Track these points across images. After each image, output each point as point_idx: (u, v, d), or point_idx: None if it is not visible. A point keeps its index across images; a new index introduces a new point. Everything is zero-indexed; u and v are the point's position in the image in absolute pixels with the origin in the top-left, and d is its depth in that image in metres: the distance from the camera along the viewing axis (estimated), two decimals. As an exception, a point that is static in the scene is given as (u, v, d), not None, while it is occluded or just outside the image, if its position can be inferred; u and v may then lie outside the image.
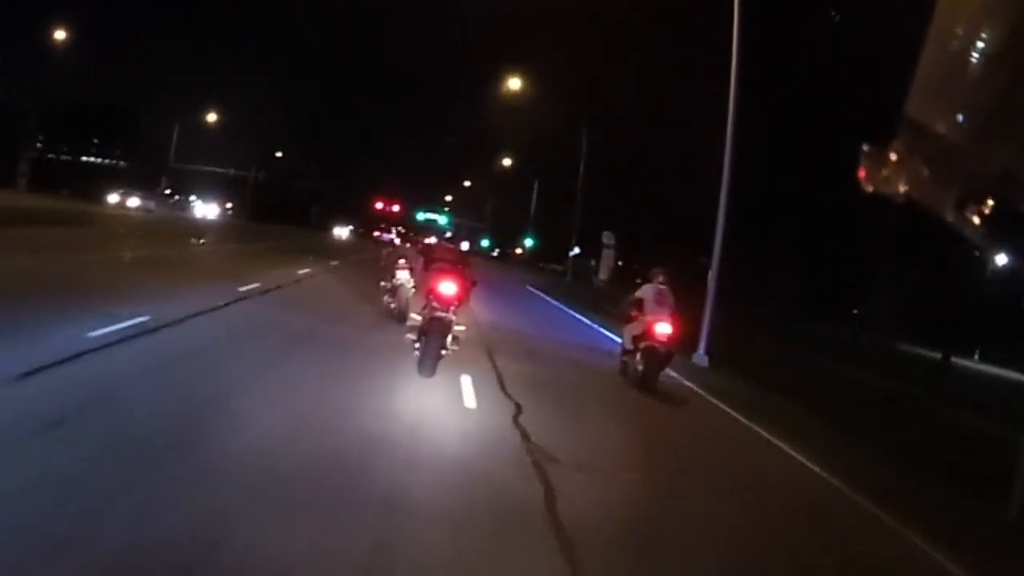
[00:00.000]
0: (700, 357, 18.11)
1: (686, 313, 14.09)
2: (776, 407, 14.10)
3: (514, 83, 42.77)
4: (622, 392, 12.41)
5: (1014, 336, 40.93)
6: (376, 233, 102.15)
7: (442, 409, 8.57)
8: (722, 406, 12.81)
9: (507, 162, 70.22)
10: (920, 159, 1.82)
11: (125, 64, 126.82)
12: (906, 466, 11.03)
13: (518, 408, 9.18)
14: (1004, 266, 32.17)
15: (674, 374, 14.54)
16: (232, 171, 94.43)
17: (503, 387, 10.39)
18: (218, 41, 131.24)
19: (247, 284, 15.94)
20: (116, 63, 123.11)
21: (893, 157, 1.86)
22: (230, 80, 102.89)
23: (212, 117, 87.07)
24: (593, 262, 53.81)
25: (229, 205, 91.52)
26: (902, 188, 1.87)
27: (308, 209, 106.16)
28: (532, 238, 70.43)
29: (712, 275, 19.06)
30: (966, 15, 1.73)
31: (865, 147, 1.90)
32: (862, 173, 1.92)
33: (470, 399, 9.25)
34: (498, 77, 45.52)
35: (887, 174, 1.87)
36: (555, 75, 50.70)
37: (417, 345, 10.01)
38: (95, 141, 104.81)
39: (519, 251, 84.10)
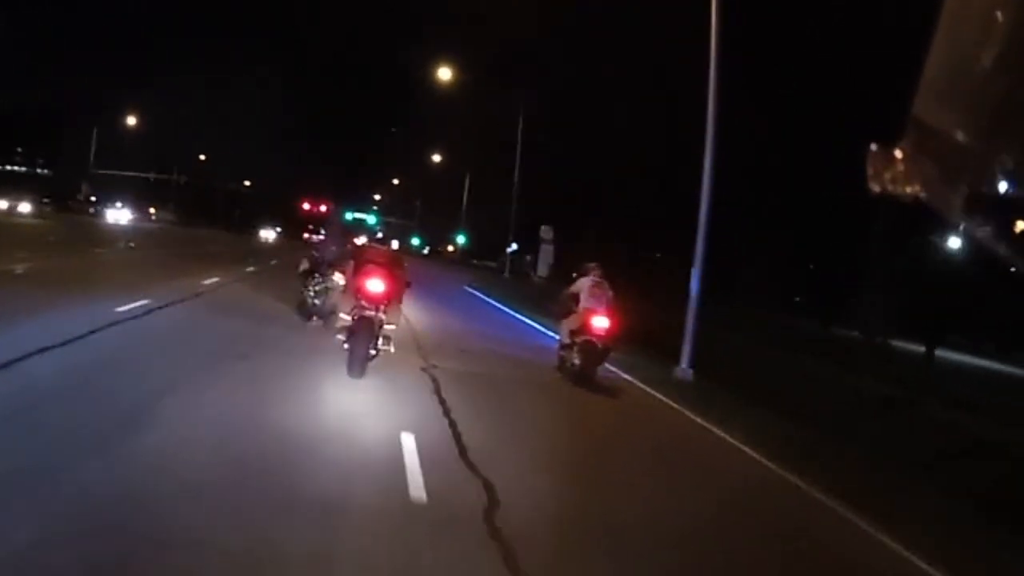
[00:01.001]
0: (684, 371, 15.37)
1: (634, 309, 14.19)
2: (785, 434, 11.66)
3: (444, 73, 40.66)
4: (559, 389, 12.39)
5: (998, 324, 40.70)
6: (306, 235, 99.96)
7: (373, 435, 7.73)
8: (748, 451, 10.06)
9: (437, 158, 68.30)
10: (928, 159, 1.79)
11: (45, 70, 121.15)
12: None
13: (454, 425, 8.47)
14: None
15: (654, 392, 13.21)
16: (153, 175, 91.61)
17: (441, 399, 9.64)
18: (138, 41, 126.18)
19: (134, 301, 13.76)
20: (36, 70, 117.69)
21: (900, 157, 1.82)
22: (151, 82, 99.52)
23: (132, 121, 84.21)
24: (529, 258, 52.10)
25: (152, 210, 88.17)
26: (910, 189, 1.82)
27: (232, 212, 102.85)
28: (464, 235, 68.54)
29: (695, 274, 16.26)
30: (975, 12, 1.72)
31: (872, 147, 1.85)
32: (869, 173, 1.85)
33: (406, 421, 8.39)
34: (428, 69, 43.53)
35: (894, 175, 1.82)
36: (488, 64, 48.78)
37: (346, 345, 9.77)
38: (19, 150, 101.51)
39: (451, 249, 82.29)
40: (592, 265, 13.17)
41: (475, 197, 62.02)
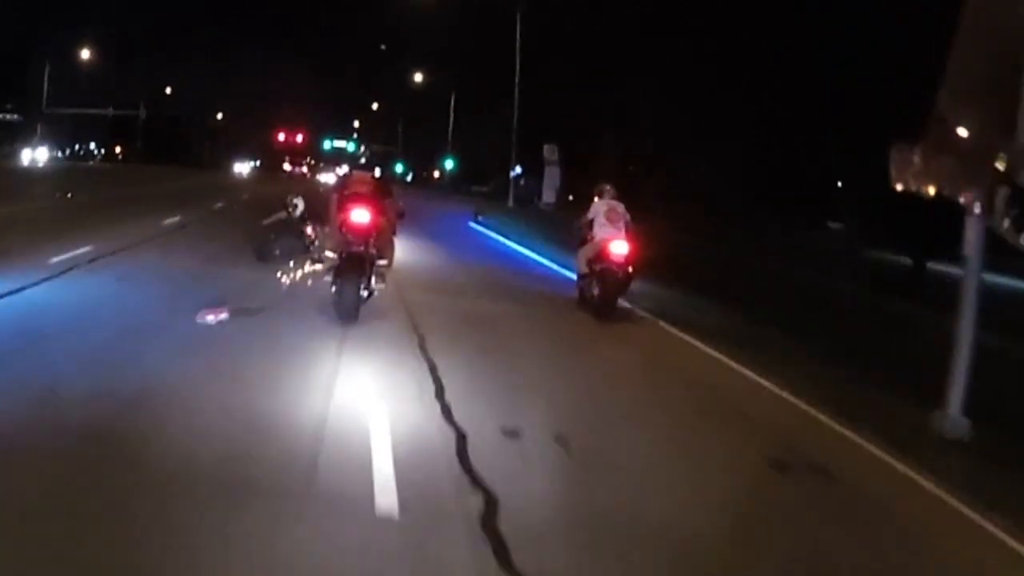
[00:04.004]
0: (957, 421, 6.75)
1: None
2: None
3: None
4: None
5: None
6: (287, 167, 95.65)
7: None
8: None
9: (419, 78, 63.63)
10: (950, 156, 1.62)
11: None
12: None
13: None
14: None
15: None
16: (111, 111, 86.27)
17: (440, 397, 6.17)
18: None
19: (75, 248, 11.71)
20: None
21: (923, 155, 1.63)
22: (106, 12, 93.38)
23: (86, 55, 78.79)
24: (523, 182, 46.82)
25: (100, 149, 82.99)
26: (932, 185, 1.59)
27: (202, 146, 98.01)
28: (452, 159, 64.31)
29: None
30: (995, 13, 1.67)
31: (896, 146, 1.57)
32: (893, 171, 1.60)
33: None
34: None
35: (917, 171, 1.63)
36: None
37: (334, 287, 8.95)
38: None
39: (436, 175, 77.98)
40: (606, 187, 12.37)
41: (464, 117, 57.55)
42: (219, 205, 25.22)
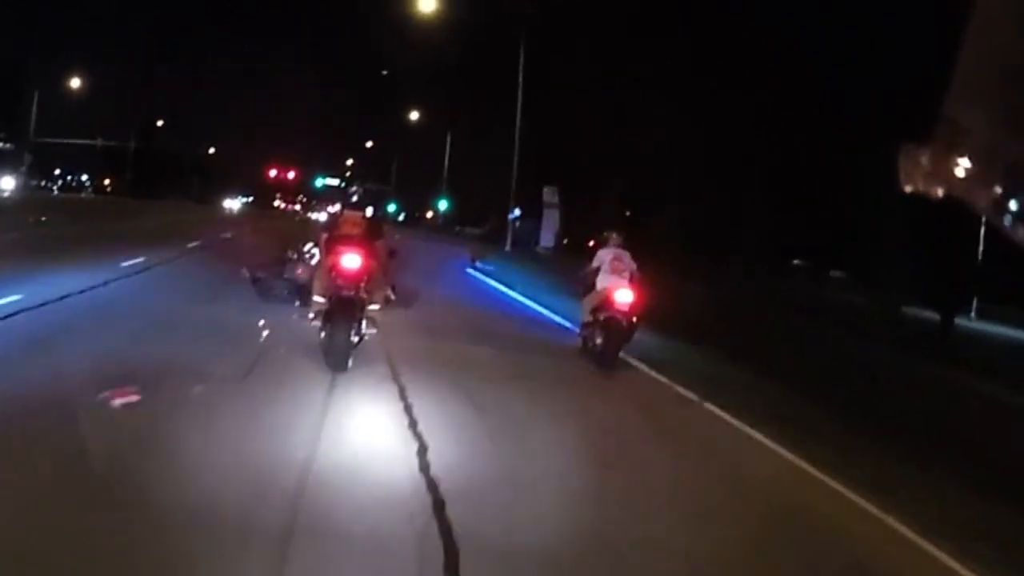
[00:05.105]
0: None
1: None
2: None
3: (426, 4, 33.88)
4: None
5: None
6: (281, 204, 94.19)
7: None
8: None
9: (414, 116, 62.33)
10: (960, 158, 1.78)
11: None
12: None
13: None
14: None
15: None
16: (100, 141, 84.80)
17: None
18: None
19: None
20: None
21: (932, 156, 1.82)
22: (100, 44, 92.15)
23: (77, 84, 77.44)
24: (518, 224, 44.88)
25: (85, 178, 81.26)
26: (941, 188, 1.81)
27: (190, 179, 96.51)
28: (446, 200, 62.71)
29: None
30: (1007, 11, 1.75)
31: (904, 148, 1.84)
32: (902, 173, 1.85)
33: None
34: (403, 11, 37.28)
35: (926, 173, 1.83)
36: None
37: (323, 333, 8.60)
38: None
39: (430, 215, 76.42)
40: (612, 234, 12.26)
41: (460, 157, 56.04)
42: (193, 244, 23.27)
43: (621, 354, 11.09)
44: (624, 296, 11.26)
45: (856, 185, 29.98)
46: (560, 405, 8.70)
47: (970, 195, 1.78)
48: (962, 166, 1.75)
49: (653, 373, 10.92)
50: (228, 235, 30.62)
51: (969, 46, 1.78)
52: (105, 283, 12.44)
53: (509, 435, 6.96)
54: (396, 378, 8.27)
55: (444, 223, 65.46)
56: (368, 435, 6.36)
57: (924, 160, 1.80)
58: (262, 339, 9.77)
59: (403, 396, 7.49)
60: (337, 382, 7.79)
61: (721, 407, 8.90)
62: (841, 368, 15.14)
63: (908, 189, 1.84)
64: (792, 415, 9.14)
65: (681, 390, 9.85)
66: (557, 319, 15.53)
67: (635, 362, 11.39)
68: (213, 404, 6.54)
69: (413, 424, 6.53)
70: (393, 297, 11.26)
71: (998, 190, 1.71)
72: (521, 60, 34.93)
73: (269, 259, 14.18)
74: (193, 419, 6.08)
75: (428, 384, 8.19)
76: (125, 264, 15.09)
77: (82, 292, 11.13)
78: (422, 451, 5.80)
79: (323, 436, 5.97)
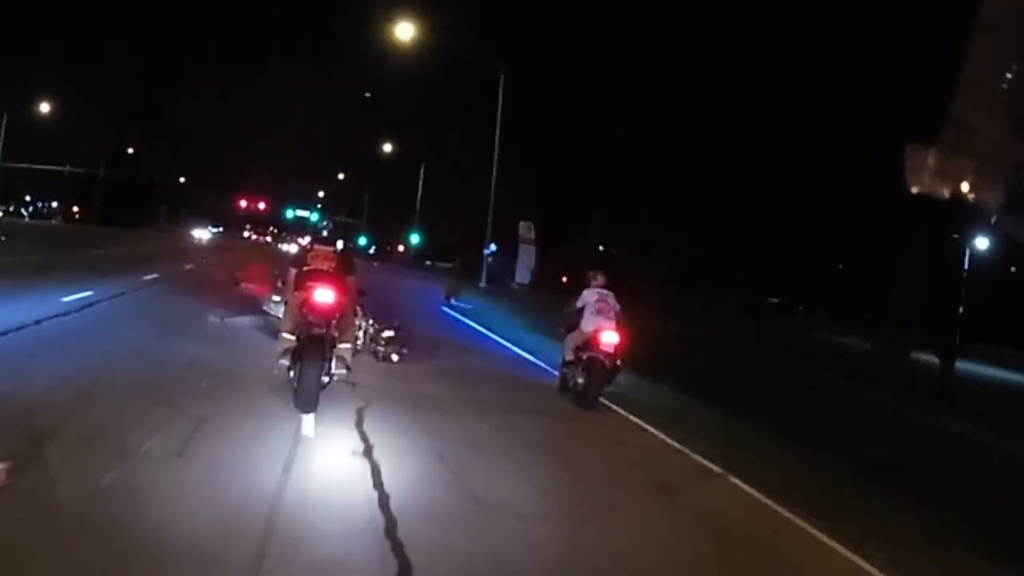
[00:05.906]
0: None
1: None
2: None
3: (404, 32, 32.84)
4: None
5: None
6: (253, 235, 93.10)
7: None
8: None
9: (388, 148, 61.65)
10: (966, 158, 1.88)
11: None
12: None
13: None
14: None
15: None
16: (68, 168, 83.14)
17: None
18: (50, 23, 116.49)
19: None
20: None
21: (938, 156, 1.91)
22: (70, 69, 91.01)
23: (45, 108, 75.92)
24: (490, 260, 44.21)
25: (56, 205, 79.78)
26: (947, 189, 1.92)
27: (159, 209, 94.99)
28: (418, 234, 61.93)
29: None
30: (1012, 15, 1.83)
31: (910, 148, 1.95)
32: (907, 173, 1.96)
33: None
34: (378, 39, 36.49)
35: (932, 175, 1.92)
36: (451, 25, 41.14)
37: (292, 373, 8.36)
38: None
39: (401, 249, 75.56)
40: (597, 274, 12.22)
41: (433, 191, 55.29)
42: (151, 277, 22.09)
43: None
44: (610, 338, 11.35)
45: (851, 226, 29.82)
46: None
47: (975, 195, 1.85)
48: (969, 166, 1.84)
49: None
50: (189, 267, 29.54)
51: (974, 51, 1.80)
52: (37, 322, 11.19)
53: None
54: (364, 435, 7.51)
55: (415, 257, 64.66)
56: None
57: (930, 160, 1.88)
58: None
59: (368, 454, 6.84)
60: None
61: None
62: (833, 415, 14.71)
63: (914, 189, 1.94)
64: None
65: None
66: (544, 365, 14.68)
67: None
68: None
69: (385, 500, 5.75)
70: (405, 351, 11.97)
71: (1003, 189, 1.81)
72: (499, 104, 34.37)
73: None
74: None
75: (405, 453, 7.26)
76: (67, 299, 13.90)
77: (4, 335, 9.85)
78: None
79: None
